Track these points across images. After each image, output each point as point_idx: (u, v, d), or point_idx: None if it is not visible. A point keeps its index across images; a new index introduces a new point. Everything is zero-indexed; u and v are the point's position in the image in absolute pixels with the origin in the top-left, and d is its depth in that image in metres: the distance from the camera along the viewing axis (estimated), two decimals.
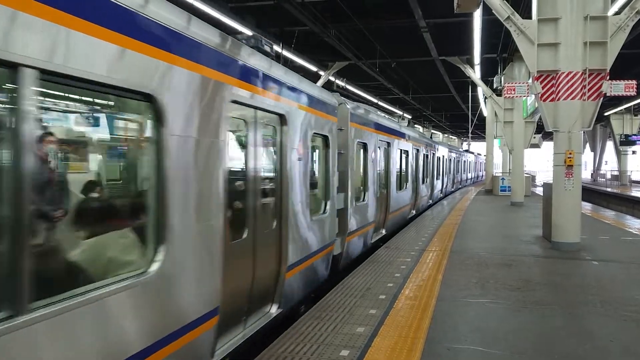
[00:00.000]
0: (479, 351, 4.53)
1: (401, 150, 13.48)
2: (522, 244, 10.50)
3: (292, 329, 5.05)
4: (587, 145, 47.71)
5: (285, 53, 16.05)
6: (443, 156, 23.93)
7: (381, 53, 19.57)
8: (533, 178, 38.46)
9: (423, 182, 17.49)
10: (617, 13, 10.19)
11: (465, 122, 38.91)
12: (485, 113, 31.07)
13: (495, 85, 21.06)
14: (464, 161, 36.23)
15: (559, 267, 8.27)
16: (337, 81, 23.02)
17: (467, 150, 41.50)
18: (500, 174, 28.75)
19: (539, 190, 28.64)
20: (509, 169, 26.26)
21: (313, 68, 19.36)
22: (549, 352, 4.55)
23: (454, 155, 29.51)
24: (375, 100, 29.18)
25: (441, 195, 24.17)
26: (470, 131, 36.79)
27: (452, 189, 29.69)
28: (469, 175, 40.50)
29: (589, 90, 9.37)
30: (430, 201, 20.16)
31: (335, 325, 5.15)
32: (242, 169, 4.80)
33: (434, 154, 20.33)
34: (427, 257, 8.80)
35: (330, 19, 15.49)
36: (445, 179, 25.12)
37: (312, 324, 5.19)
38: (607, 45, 9.23)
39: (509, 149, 22.58)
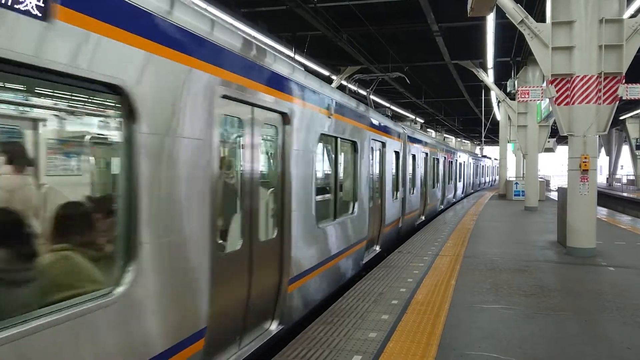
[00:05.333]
0: (492, 358, 4.48)
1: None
2: (536, 249, 10.39)
3: (304, 334, 5.04)
4: (603, 150, 47.16)
5: (298, 57, 16.10)
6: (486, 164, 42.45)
7: (393, 57, 19.53)
8: (547, 183, 38.18)
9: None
10: (632, 16, 10.09)
11: (478, 126, 38.71)
12: (498, 117, 30.86)
13: (508, 89, 20.89)
14: (494, 167, 55.29)
15: (574, 273, 8.17)
16: (350, 85, 23.00)
17: (496, 158, 58.32)
18: (514, 179, 28.52)
19: (553, 195, 28.35)
20: (523, 174, 26.05)
21: (325, 72, 19.39)
22: (564, 359, 4.49)
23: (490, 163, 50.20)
24: (387, 105, 29.12)
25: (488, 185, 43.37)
26: (483, 135, 36.53)
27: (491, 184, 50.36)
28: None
29: (604, 94, 9.24)
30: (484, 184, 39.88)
31: (348, 331, 5.13)
32: None
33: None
34: (440, 262, 8.74)
35: (343, 24, 15.51)
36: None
37: (324, 329, 5.17)
38: (623, 49, 9.11)
39: (522, 153, 22.39)
